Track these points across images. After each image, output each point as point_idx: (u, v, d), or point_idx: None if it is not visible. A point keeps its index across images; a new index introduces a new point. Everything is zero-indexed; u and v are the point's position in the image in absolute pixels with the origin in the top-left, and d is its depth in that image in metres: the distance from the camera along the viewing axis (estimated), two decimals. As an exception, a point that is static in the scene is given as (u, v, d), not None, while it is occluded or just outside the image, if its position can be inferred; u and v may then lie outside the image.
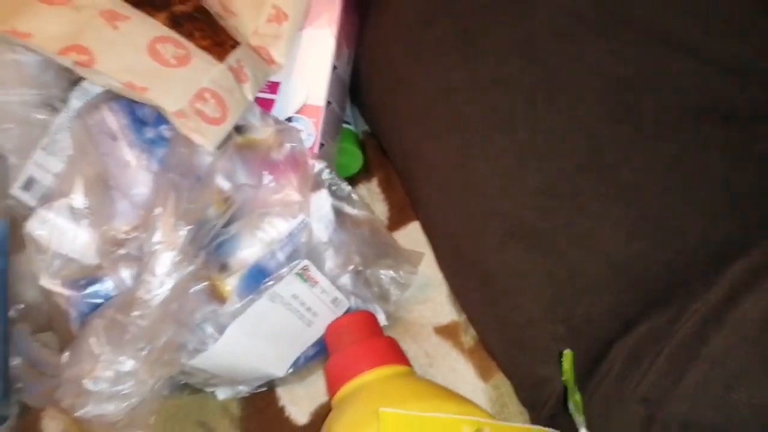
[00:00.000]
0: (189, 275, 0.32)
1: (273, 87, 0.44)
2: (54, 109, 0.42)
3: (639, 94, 0.34)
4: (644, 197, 0.32)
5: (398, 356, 0.38)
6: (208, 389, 0.41)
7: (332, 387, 0.37)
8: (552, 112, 0.34)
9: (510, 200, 0.35)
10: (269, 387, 0.42)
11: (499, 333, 0.38)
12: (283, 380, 0.42)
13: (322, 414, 0.41)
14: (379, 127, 0.48)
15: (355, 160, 0.51)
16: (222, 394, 0.41)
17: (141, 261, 0.35)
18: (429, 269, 0.46)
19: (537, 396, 0.37)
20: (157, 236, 0.32)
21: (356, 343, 0.38)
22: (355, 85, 0.49)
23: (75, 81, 0.42)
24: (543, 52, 0.35)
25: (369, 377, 0.36)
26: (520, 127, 0.35)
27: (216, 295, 0.36)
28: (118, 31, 0.36)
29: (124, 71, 0.35)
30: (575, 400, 0.30)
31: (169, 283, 0.31)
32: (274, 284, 0.36)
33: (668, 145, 0.33)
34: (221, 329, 0.35)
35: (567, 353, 0.30)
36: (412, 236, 0.48)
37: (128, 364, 0.31)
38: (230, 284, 0.36)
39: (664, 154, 0.33)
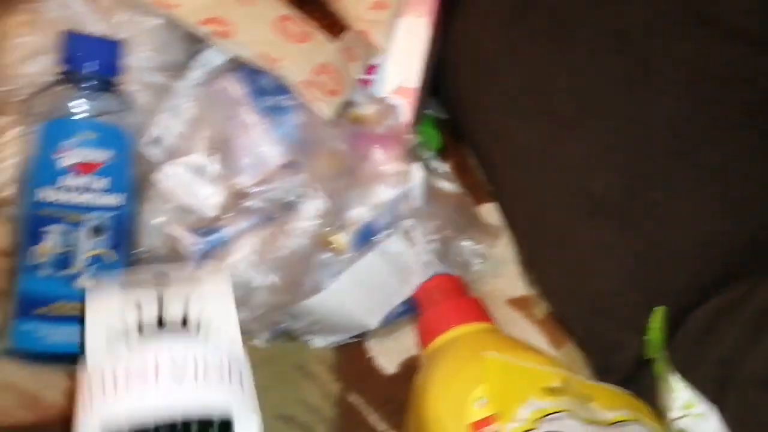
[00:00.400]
0: (321, 224, 0.36)
1: (371, 69, 0.48)
2: (174, 76, 0.46)
3: (721, 87, 0.38)
4: (728, 179, 0.36)
5: (486, 314, 0.41)
6: (305, 338, 0.45)
7: (425, 340, 0.41)
8: (642, 99, 0.38)
9: (598, 179, 0.39)
10: (359, 340, 0.46)
11: (578, 303, 0.42)
12: (372, 334, 0.46)
13: (408, 365, 0.45)
14: (462, 113, 0.52)
15: (434, 142, 0.55)
16: (318, 342, 0.45)
17: (262, 212, 0.40)
18: (501, 248, 0.50)
19: (612, 361, 0.41)
20: (303, 190, 0.36)
21: (448, 301, 0.42)
22: (438, 73, 0.53)
23: (194, 52, 0.46)
24: (635, 45, 0.39)
25: (461, 331, 0.40)
26: (611, 112, 0.39)
27: (326, 245, 0.40)
28: (251, 8, 0.40)
29: (259, 43, 0.39)
30: (662, 353, 0.34)
31: (311, 227, 0.35)
32: (383, 241, 0.40)
33: (748, 134, 0.37)
34: (334, 276, 0.39)
35: (659, 309, 0.34)
36: (484, 217, 0.52)
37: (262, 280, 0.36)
38: (343, 239, 0.40)
39: (744, 143, 0.37)
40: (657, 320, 0.34)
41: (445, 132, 0.57)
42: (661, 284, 0.37)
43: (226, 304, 0.32)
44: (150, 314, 0.29)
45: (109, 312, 0.30)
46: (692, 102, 0.38)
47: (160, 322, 0.29)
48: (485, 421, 0.34)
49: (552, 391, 0.36)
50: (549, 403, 0.35)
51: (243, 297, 0.36)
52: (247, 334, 0.38)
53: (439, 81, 0.53)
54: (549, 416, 0.34)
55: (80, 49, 0.39)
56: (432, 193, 0.45)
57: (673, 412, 0.32)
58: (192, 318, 0.30)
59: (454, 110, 0.54)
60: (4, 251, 0.42)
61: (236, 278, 0.36)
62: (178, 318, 0.29)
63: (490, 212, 0.52)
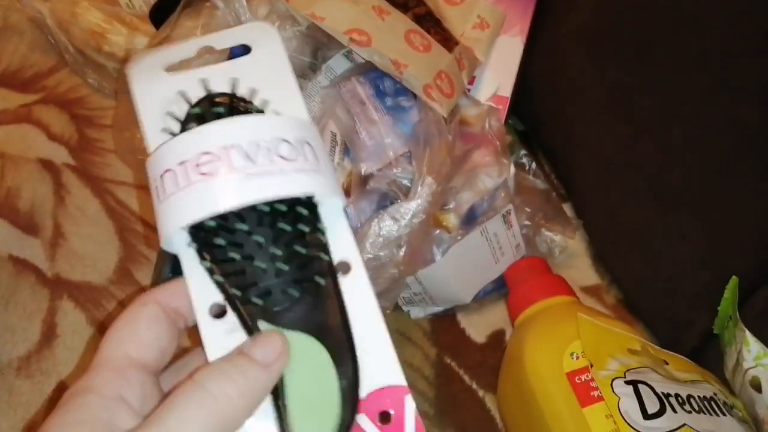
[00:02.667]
0: (433, 205, 0.43)
1: (471, 80, 0.56)
2: (303, 78, 0.54)
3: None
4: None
5: (572, 290, 0.48)
6: (406, 308, 0.52)
7: (518, 309, 0.48)
8: (717, 108, 0.45)
9: (676, 174, 0.46)
10: (451, 313, 0.52)
11: (651, 286, 0.48)
12: (463, 309, 0.52)
13: (496, 337, 0.51)
14: (543, 122, 0.58)
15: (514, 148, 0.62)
16: (415, 313, 0.52)
17: (384, 194, 0.47)
18: (574, 242, 0.56)
19: (680, 336, 0.47)
20: (421, 174, 0.43)
21: (537, 277, 0.48)
22: (519, 89, 0.60)
23: (320, 59, 0.54)
24: (713, 63, 0.45)
25: (551, 302, 0.46)
26: (689, 119, 0.45)
27: (437, 225, 0.47)
28: (384, 22, 0.48)
29: (391, 51, 0.47)
30: (735, 315, 0.40)
31: (425, 205, 0.42)
32: (486, 221, 0.46)
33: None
34: (445, 251, 0.46)
35: (734, 278, 0.40)
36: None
37: (385, 257, 0.42)
38: (451, 220, 0.47)
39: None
40: (731, 288, 0.40)
41: (522, 141, 0.64)
42: (730, 265, 0.43)
43: (280, 67, 0.28)
44: (200, 96, 0.26)
45: (160, 98, 0.26)
46: (764, 112, 0.44)
47: (214, 104, 0.26)
48: (580, 371, 0.40)
49: (634, 352, 0.42)
50: (633, 361, 0.41)
51: (374, 272, 0.43)
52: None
53: (519, 97, 0.61)
54: (634, 369, 0.40)
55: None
56: (523, 186, 0.52)
57: (747, 362, 0.38)
58: (247, 95, 0.26)
59: (534, 121, 0.61)
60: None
61: (367, 255, 0.43)
62: (233, 97, 0.26)
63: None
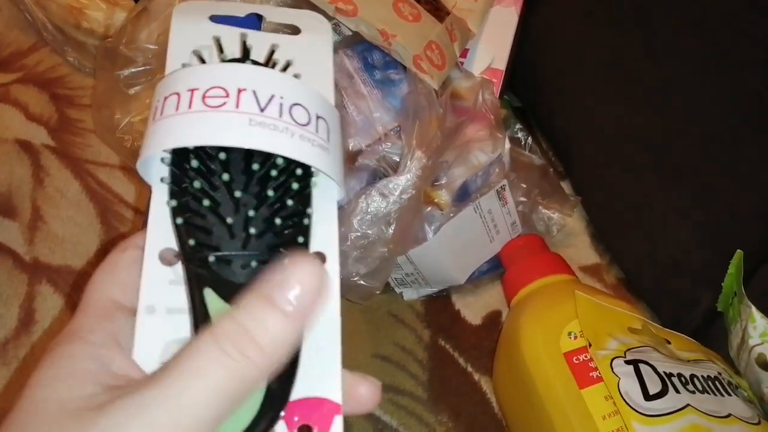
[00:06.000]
0: (423, 180, 0.41)
1: (464, 52, 0.53)
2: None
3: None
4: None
5: (569, 268, 0.46)
6: (398, 289, 0.50)
7: (512, 290, 0.46)
8: (719, 78, 0.43)
9: (678, 148, 0.44)
10: (445, 295, 0.51)
11: (653, 264, 0.46)
12: (458, 289, 0.50)
13: (491, 318, 0.50)
14: (541, 96, 0.56)
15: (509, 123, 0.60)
16: (408, 294, 0.50)
17: (373, 170, 0.45)
18: (572, 221, 0.54)
19: (683, 315, 0.45)
20: (410, 149, 0.41)
21: (535, 255, 0.47)
22: (515, 64, 0.58)
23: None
24: (712, 31, 0.44)
25: (548, 281, 0.45)
26: (691, 90, 0.43)
27: (429, 202, 0.45)
28: (371, -10, 0.46)
29: (378, 21, 0.45)
30: (741, 291, 0.38)
31: (414, 180, 0.40)
32: (480, 197, 0.44)
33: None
34: (437, 229, 0.44)
35: (738, 253, 0.38)
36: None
37: (374, 235, 0.41)
38: (443, 196, 0.45)
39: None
40: (736, 263, 0.38)
41: (518, 117, 0.62)
42: (734, 242, 0.41)
43: (322, 50, 0.27)
44: (232, 51, 0.25)
45: (194, 38, 0.26)
46: None
47: (243, 59, 0.25)
48: (578, 351, 0.38)
49: (634, 331, 0.40)
50: (633, 340, 0.39)
51: (362, 251, 0.41)
52: (365, 288, 0.43)
53: (515, 72, 0.58)
54: (634, 349, 0.38)
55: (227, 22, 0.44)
56: (519, 162, 0.50)
57: (753, 339, 0.36)
58: (281, 64, 0.25)
59: (530, 95, 0.59)
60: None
61: (354, 233, 0.41)
62: (264, 60, 0.25)
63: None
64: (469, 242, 0.47)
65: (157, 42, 0.49)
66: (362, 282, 0.42)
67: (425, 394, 0.46)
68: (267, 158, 0.23)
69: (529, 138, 0.52)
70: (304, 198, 0.24)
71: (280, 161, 0.23)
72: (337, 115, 0.25)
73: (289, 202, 0.23)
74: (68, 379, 0.19)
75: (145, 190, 0.56)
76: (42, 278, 0.49)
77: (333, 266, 0.24)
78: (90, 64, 0.59)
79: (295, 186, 0.23)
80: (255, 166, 0.23)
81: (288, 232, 0.23)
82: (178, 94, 0.23)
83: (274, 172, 0.23)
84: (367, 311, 0.50)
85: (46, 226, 0.51)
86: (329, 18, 0.46)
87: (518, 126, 0.52)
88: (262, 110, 0.22)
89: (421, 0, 0.48)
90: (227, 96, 0.22)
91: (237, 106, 0.22)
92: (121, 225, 0.52)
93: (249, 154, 0.23)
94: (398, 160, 0.45)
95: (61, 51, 0.60)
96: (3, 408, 0.43)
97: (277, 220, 0.23)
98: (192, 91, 0.23)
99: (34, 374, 0.20)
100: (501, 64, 0.53)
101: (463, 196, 0.46)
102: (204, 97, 0.22)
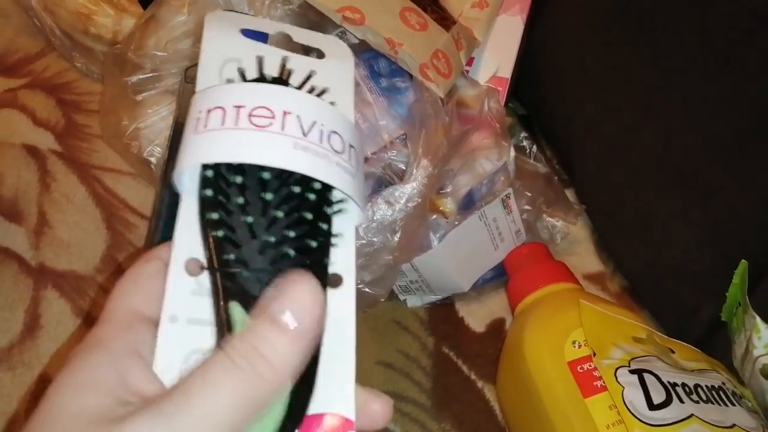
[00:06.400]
0: (429, 188, 0.41)
1: (470, 61, 0.54)
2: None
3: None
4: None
5: (573, 277, 0.46)
6: (402, 296, 0.50)
7: (516, 298, 0.46)
8: (724, 85, 0.43)
9: (683, 155, 0.44)
10: (449, 302, 0.51)
11: (657, 272, 0.47)
12: (462, 297, 0.50)
13: (495, 326, 0.50)
14: (546, 105, 0.57)
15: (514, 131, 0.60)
16: (412, 302, 0.50)
17: (379, 178, 0.45)
18: (576, 229, 0.55)
19: (687, 324, 0.45)
20: (416, 157, 0.41)
21: (540, 263, 0.47)
22: (520, 72, 0.58)
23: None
24: (717, 40, 0.44)
25: (552, 289, 0.45)
26: (696, 97, 0.44)
27: (434, 210, 0.45)
28: (379, 0, 0.46)
29: (385, 30, 0.45)
30: (745, 301, 0.38)
31: (420, 188, 0.40)
32: (485, 205, 0.45)
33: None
34: (442, 237, 0.44)
35: (743, 263, 0.38)
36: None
37: (379, 243, 0.41)
38: (448, 204, 0.45)
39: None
40: (740, 273, 0.38)
41: (523, 125, 0.62)
42: (738, 250, 0.41)
43: (346, 79, 0.28)
44: (270, 69, 0.26)
45: (226, 51, 0.26)
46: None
47: (283, 81, 0.25)
48: (582, 360, 0.39)
49: (639, 340, 0.40)
50: (637, 349, 0.39)
51: (368, 259, 0.41)
52: (370, 296, 0.44)
53: (520, 80, 0.59)
54: (638, 358, 0.38)
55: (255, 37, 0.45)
56: (524, 170, 0.50)
57: (758, 350, 0.36)
58: (317, 89, 0.26)
59: (535, 103, 0.59)
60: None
61: (360, 241, 0.41)
62: (299, 83, 0.26)
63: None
64: (473, 250, 0.47)
65: (165, 49, 0.49)
66: (367, 289, 0.42)
67: (429, 401, 0.46)
68: (304, 181, 0.23)
69: (534, 146, 0.52)
70: (330, 222, 0.25)
71: (317, 185, 0.24)
72: (361, 143, 0.26)
73: (323, 226, 0.24)
74: (88, 388, 0.20)
75: (150, 196, 0.56)
76: (47, 283, 0.49)
77: (349, 288, 0.24)
78: (97, 69, 0.59)
79: (328, 211, 0.24)
80: (295, 189, 0.23)
81: (314, 254, 0.24)
82: (223, 109, 0.23)
83: (311, 196, 0.24)
84: (372, 318, 0.50)
85: (52, 231, 0.51)
86: (336, 26, 0.46)
87: (523, 134, 0.53)
88: (305, 135, 0.23)
89: (427, 9, 0.49)
90: (273, 117, 0.23)
91: (282, 128, 0.23)
92: (126, 231, 0.52)
93: (286, 176, 0.23)
94: (404, 168, 0.45)
95: (69, 57, 0.60)
96: (9, 412, 0.43)
97: (312, 242, 0.23)
98: (238, 108, 0.23)
99: (54, 381, 0.20)
100: (506, 73, 0.53)
101: (468, 204, 0.46)
102: (251, 115, 0.23)
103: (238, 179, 0.23)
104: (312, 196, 0.24)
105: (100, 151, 0.56)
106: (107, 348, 0.21)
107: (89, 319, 0.48)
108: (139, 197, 0.54)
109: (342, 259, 0.25)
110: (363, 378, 0.23)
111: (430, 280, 0.47)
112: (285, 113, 0.23)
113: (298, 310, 0.20)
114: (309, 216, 0.23)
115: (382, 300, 0.44)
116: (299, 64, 0.27)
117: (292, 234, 0.23)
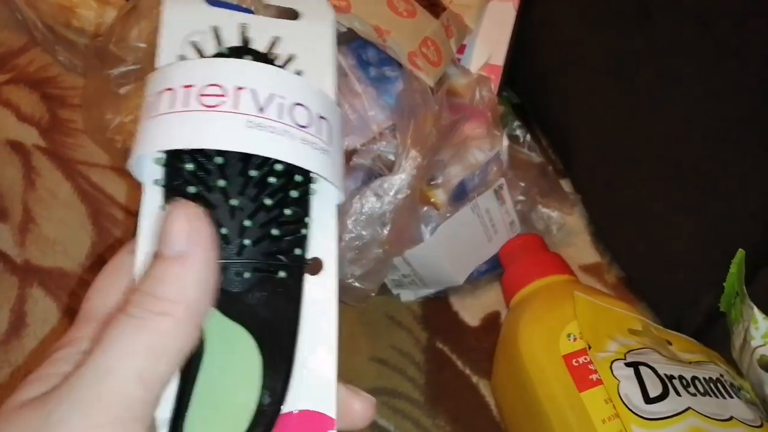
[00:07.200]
0: (418, 179, 0.40)
1: (461, 49, 0.52)
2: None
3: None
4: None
5: (569, 268, 0.45)
6: (395, 291, 0.49)
7: (511, 290, 0.45)
8: (722, 75, 0.42)
9: (681, 145, 0.43)
10: (443, 296, 0.50)
11: (654, 263, 0.46)
12: (456, 291, 0.50)
13: (490, 320, 0.49)
14: (541, 93, 0.55)
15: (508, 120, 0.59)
16: (405, 296, 0.49)
17: (368, 170, 0.44)
18: (573, 219, 0.54)
19: (683, 317, 0.44)
20: (405, 147, 0.40)
21: (534, 255, 0.46)
22: (514, 60, 0.57)
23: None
24: (715, 27, 0.43)
25: (547, 281, 0.44)
26: (692, 87, 0.43)
27: (425, 201, 0.44)
28: (365, -14, 0.45)
29: (372, 17, 0.44)
30: (743, 291, 0.37)
31: (410, 179, 0.39)
32: (477, 196, 0.44)
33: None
34: (433, 230, 0.43)
35: (740, 252, 0.37)
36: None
37: (369, 236, 0.40)
38: (439, 196, 0.44)
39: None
40: (738, 262, 0.37)
41: (517, 116, 0.61)
42: (736, 241, 0.40)
43: (323, 41, 0.26)
44: (230, 40, 0.24)
45: (188, 25, 0.24)
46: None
47: (242, 51, 0.23)
48: (577, 354, 0.38)
49: (635, 332, 0.39)
50: (634, 341, 0.38)
51: (357, 253, 0.40)
52: (360, 290, 0.43)
53: (514, 68, 0.58)
54: (635, 350, 0.37)
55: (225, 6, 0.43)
56: (517, 160, 0.49)
57: (755, 341, 0.35)
58: (281, 55, 0.24)
59: (529, 93, 0.58)
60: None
61: (349, 234, 0.40)
62: (264, 51, 0.24)
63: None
64: (466, 242, 0.46)
65: (147, 41, 0.48)
66: (357, 284, 0.41)
67: (422, 397, 0.45)
68: (265, 162, 0.22)
69: (528, 135, 0.51)
70: (303, 204, 0.23)
71: (279, 166, 0.22)
72: (338, 112, 0.24)
73: (288, 211, 0.22)
74: (50, 379, 0.19)
75: (137, 191, 0.55)
76: (33, 281, 0.48)
77: (331, 271, 0.23)
78: (81, 63, 0.58)
79: (294, 193, 0.22)
80: (252, 172, 0.21)
81: (283, 243, 0.22)
82: (172, 90, 0.22)
83: (272, 179, 0.22)
84: (364, 313, 0.49)
85: (38, 228, 0.50)
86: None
87: (516, 123, 0.52)
88: (261, 111, 0.21)
89: (416, -4, 0.48)
90: (225, 95, 0.21)
91: (235, 106, 0.21)
92: (113, 227, 0.51)
93: (247, 158, 0.22)
94: (393, 159, 0.44)
95: (52, 51, 0.59)
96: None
97: (274, 230, 0.22)
98: (188, 87, 0.21)
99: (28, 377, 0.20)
100: (499, 61, 0.52)
101: (461, 195, 0.45)
102: (201, 94, 0.21)
103: (190, 166, 0.21)
104: (274, 180, 0.22)
105: (85, 147, 0.55)
106: (78, 346, 0.20)
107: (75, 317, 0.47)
108: (125, 193, 0.53)
109: (321, 241, 0.23)
110: (355, 374, 0.22)
111: (422, 273, 0.46)
112: (238, 89, 0.21)
113: (168, 235, 0.19)
114: (269, 202, 0.22)
115: (373, 294, 0.44)
116: (264, 30, 0.24)
117: (257, 222, 0.21)
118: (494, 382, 0.45)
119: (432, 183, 0.44)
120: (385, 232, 0.40)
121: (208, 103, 0.21)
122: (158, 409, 0.19)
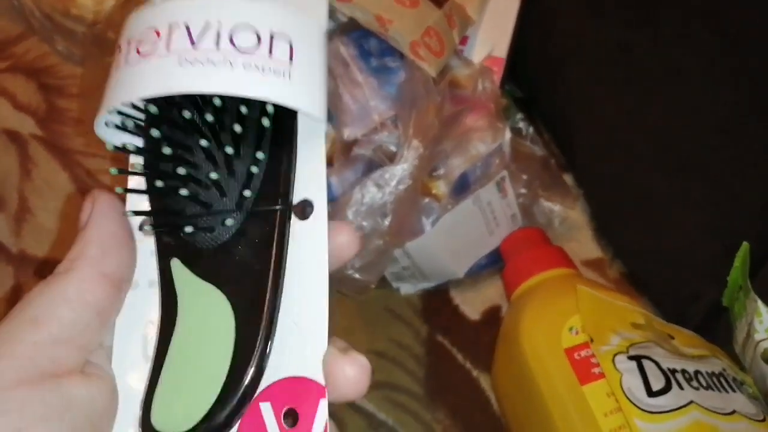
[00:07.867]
0: (420, 170, 0.39)
1: (464, 40, 0.52)
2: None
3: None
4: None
5: (571, 262, 0.45)
6: (395, 284, 0.49)
7: (513, 284, 0.45)
8: (727, 67, 0.41)
9: (684, 137, 0.42)
10: (444, 289, 0.49)
11: (657, 257, 0.45)
12: (457, 284, 0.49)
13: (491, 313, 0.48)
14: (543, 85, 0.55)
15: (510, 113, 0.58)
16: (405, 289, 0.49)
17: (369, 161, 0.43)
18: (575, 214, 0.53)
19: (687, 310, 0.44)
20: (407, 138, 0.39)
21: (536, 248, 0.45)
22: (515, 53, 0.56)
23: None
24: (721, 21, 0.42)
25: (549, 275, 0.43)
26: (697, 78, 0.42)
27: (426, 193, 0.44)
28: (367, -25, 0.44)
29: (374, 6, 0.43)
30: (746, 285, 0.37)
31: (411, 169, 0.39)
32: (479, 188, 0.43)
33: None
34: (434, 221, 0.43)
35: (745, 245, 0.37)
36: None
37: (369, 227, 0.39)
38: (441, 187, 0.43)
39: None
40: (742, 255, 0.37)
41: (519, 107, 0.61)
42: (739, 235, 0.40)
43: None
44: None
45: None
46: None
47: None
48: (579, 347, 0.37)
49: (638, 326, 0.39)
50: (636, 335, 0.38)
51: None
52: (360, 282, 0.42)
53: (517, 61, 0.57)
54: (637, 344, 0.37)
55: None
56: (519, 153, 0.48)
57: (759, 334, 0.35)
58: None
59: (532, 85, 0.58)
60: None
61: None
62: None
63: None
64: (467, 235, 0.46)
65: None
66: (357, 275, 0.41)
67: (422, 391, 0.45)
68: (225, 102, 0.20)
69: (531, 128, 0.51)
70: (286, 141, 0.21)
71: (243, 107, 0.20)
72: (311, 25, 0.22)
73: (260, 155, 0.20)
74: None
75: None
76: (29, 271, 0.47)
77: (321, 213, 0.21)
78: (79, 52, 0.57)
79: (265, 123, 0.20)
80: (209, 117, 0.20)
81: (262, 186, 0.20)
82: (120, 47, 0.21)
83: (230, 121, 0.20)
84: (363, 306, 0.48)
85: (34, 218, 0.50)
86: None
87: (519, 116, 0.51)
88: (193, 44, 0.19)
89: (418, -15, 0.47)
90: (158, 38, 0.20)
91: (167, 46, 0.19)
92: (110, 217, 0.51)
93: (202, 101, 0.20)
94: (395, 150, 0.43)
95: (50, 40, 0.58)
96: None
97: (243, 175, 0.20)
98: (129, 42, 0.20)
99: None
100: (502, 52, 0.52)
101: (462, 187, 0.44)
102: (139, 44, 0.20)
103: (145, 121, 0.21)
104: (231, 121, 0.20)
105: (82, 136, 0.54)
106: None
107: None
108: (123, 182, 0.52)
109: (309, 179, 0.21)
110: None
111: (423, 266, 0.46)
112: (171, 27, 0.20)
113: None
114: (230, 150, 0.20)
115: (373, 286, 0.43)
116: None
117: (225, 170, 0.20)
118: (495, 376, 0.45)
119: (433, 174, 0.44)
120: (386, 223, 0.40)
121: (144, 52, 0.20)
122: (133, 378, 0.20)
